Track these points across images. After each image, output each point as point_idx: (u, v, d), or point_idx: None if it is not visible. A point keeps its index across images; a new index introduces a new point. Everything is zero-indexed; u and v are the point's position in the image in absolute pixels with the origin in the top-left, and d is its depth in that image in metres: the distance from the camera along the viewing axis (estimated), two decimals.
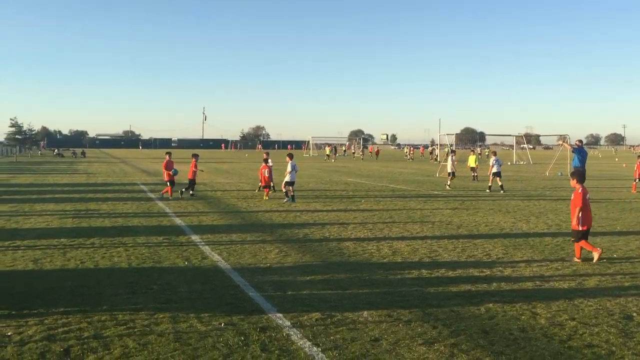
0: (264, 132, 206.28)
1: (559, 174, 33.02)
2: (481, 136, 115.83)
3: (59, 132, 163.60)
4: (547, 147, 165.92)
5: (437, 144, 69.52)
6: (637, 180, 22.65)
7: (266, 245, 10.41)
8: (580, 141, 20.30)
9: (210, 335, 5.62)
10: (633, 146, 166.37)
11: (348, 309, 6.49)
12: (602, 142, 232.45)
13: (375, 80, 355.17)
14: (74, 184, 24.95)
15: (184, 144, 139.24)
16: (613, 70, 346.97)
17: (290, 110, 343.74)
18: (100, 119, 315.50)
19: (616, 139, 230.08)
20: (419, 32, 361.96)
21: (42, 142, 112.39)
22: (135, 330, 5.75)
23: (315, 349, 5.29)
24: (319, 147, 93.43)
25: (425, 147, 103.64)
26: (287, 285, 7.60)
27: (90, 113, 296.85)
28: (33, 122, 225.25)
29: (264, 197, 18.69)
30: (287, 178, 17.97)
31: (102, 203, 17.21)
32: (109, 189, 22.48)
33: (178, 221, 13.50)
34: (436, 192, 21.81)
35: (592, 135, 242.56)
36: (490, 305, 6.71)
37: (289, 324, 5.98)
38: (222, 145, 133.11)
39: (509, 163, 51.89)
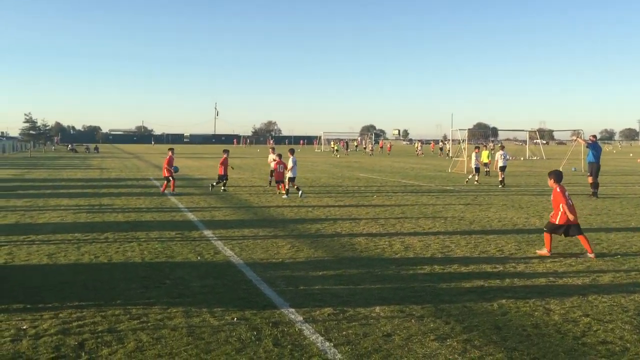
0: (275, 127, 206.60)
1: (573, 169, 32.73)
2: (494, 131, 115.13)
3: (73, 127, 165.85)
4: (560, 143, 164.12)
5: (448, 139, 69.23)
6: None
7: (278, 241, 10.44)
8: (594, 136, 20.14)
9: (222, 330, 5.65)
10: None
11: (360, 304, 6.49)
12: (616, 137, 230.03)
13: (388, 76, 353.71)
14: (87, 179, 25.14)
15: (196, 139, 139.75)
16: (628, 65, 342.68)
17: (302, 106, 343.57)
18: (114, 115, 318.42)
19: (631, 134, 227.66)
20: (431, 27, 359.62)
21: (56, 138, 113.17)
22: (149, 324, 5.80)
23: (327, 344, 5.31)
24: (330, 142, 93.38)
25: (436, 142, 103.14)
26: (299, 280, 7.62)
27: (104, 109, 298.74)
28: (47, 117, 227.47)
29: (281, 193, 18.28)
30: (289, 174, 17.94)
31: (115, 198, 17.34)
32: (122, 184, 22.62)
33: (191, 216, 13.57)
34: (449, 188, 21.73)
35: (606, 130, 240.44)
36: (503, 301, 6.68)
37: (302, 319, 6.00)
38: (234, 140, 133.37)
39: (522, 158, 51.54)
